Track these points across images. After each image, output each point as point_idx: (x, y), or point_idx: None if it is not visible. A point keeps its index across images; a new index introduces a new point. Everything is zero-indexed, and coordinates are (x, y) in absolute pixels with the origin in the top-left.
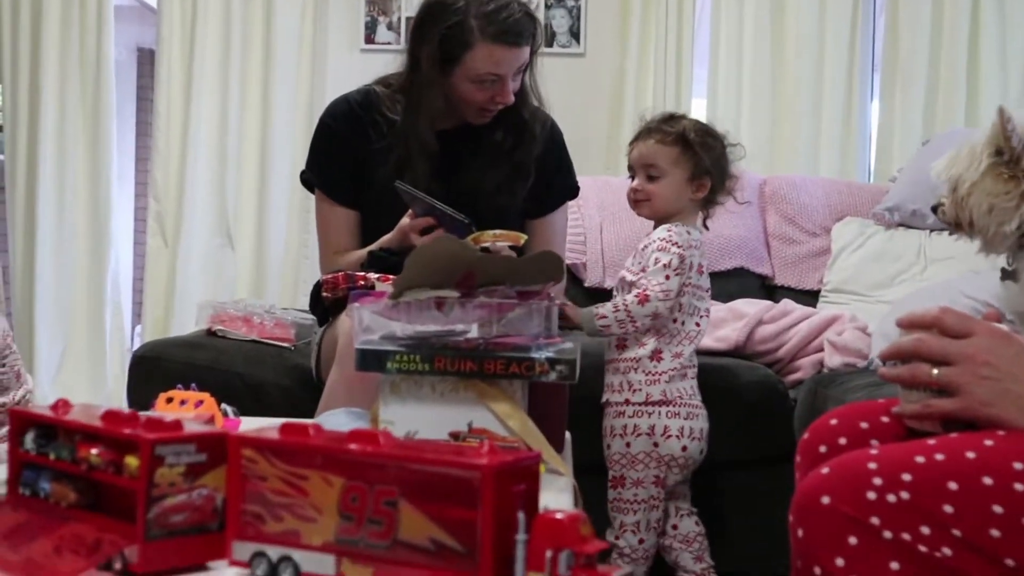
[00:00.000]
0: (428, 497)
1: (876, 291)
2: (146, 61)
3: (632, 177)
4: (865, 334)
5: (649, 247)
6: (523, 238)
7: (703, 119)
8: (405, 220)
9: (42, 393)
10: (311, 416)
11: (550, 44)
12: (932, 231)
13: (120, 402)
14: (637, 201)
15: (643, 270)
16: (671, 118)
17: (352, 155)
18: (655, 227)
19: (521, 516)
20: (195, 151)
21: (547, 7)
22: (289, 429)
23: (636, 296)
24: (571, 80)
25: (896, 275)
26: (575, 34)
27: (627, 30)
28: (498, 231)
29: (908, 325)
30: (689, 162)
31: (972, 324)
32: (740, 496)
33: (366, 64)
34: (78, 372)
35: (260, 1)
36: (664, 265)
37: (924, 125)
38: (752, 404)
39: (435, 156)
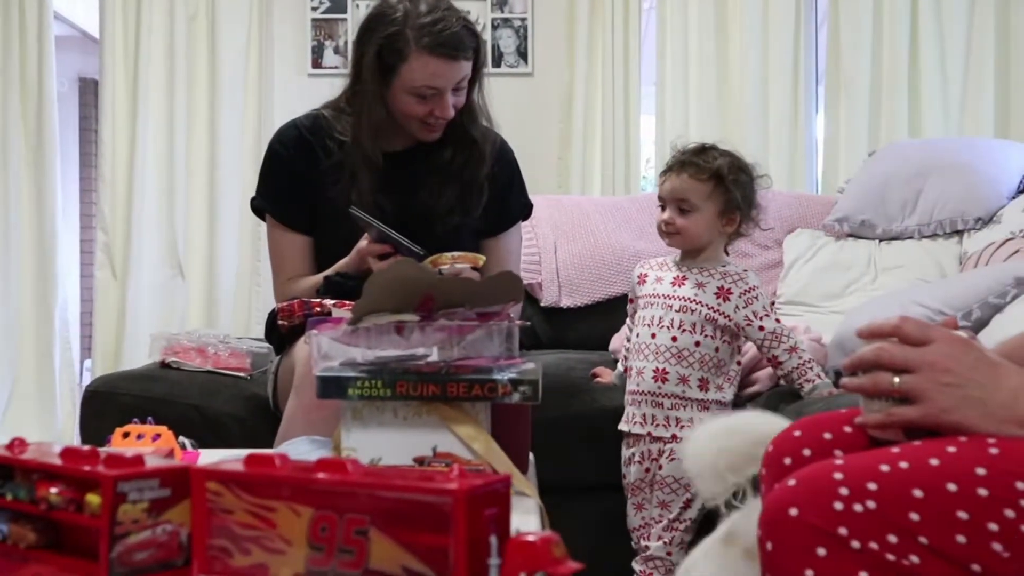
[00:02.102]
0: (399, 524)
1: (828, 301)
2: (88, 91)
3: (662, 207)
4: (820, 345)
5: (748, 295)
6: (481, 259)
7: (730, 147)
8: (362, 243)
9: None
10: (270, 446)
11: (498, 64)
12: (881, 240)
13: (72, 438)
14: (668, 233)
15: (752, 316)
16: (704, 151)
17: (303, 180)
18: (683, 256)
19: (493, 540)
20: (142, 181)
21: (494, 27)
22: (254, 460)
23: (800, 346)
24: (519, 100)
25: (848, 285)
26: (522, 54)
27: (574, 49)
28: (456, 253)
29: (868, 335)
30: (721, 197)
31: (931, 331)
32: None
33: (313, 89)
34: (27, 409)
35: (204, 28)
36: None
37: (869, 136)
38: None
39: (379, 169)
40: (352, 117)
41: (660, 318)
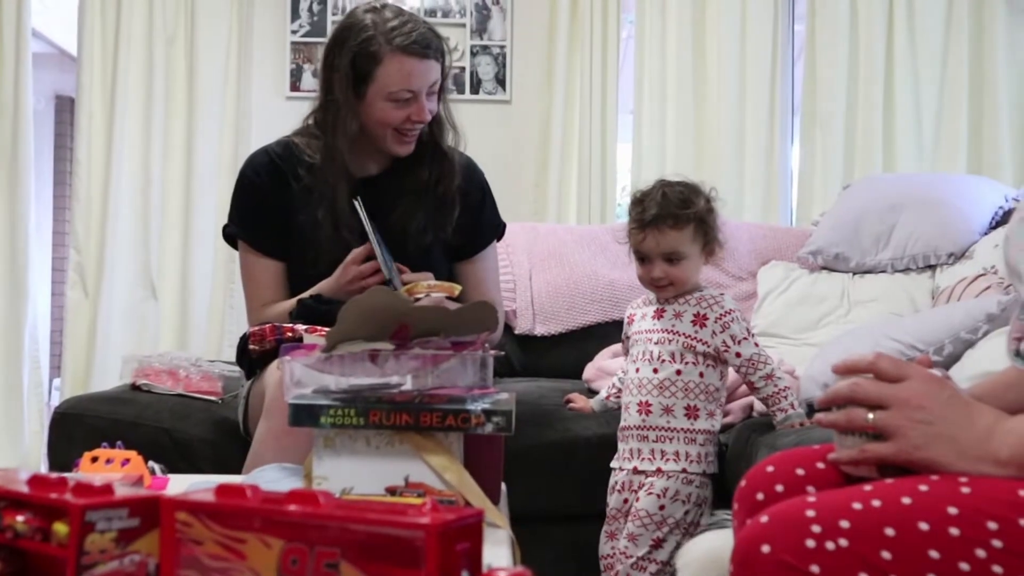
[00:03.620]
0: (370, 558)
1: (802, 334)
2: (64, 109)
3: (641, 261)
4: (793, 377)
5: (724, 319)
6: (457, 289)
7: (680, 177)
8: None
9: None
10: (239, 471)
11: (476, 91)
12: (855, 274)
13: (38, 459)
14: (660, 286)
15: (730, 342)
16: (666, 196)
17: (275, 205)
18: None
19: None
20: (117, 200)
21: (473, 54)
22: (225, 490)
23: (776, 373)
24: (497, 127)
25: (821, 318)
26: (501, 81)
27: (552, 77)
28: (432, 282)
29: (844, 371)
30: (702, 235)
31: (906, 369)
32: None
33: (292, 112)
34: None
35: (183, 48)
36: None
37: (844, 169)
38: None
39: (354, 183)
40: (323, 136)
41: (642, 352)
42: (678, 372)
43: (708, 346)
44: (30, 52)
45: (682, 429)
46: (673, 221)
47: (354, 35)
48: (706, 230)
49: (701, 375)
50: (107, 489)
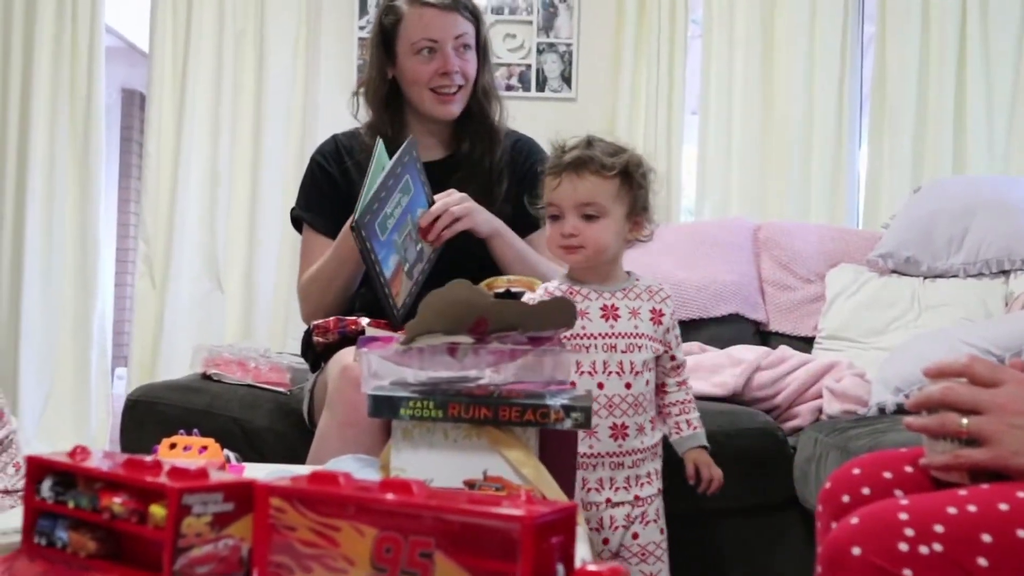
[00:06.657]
0: (465, 548)
1: (871, 338)
2: (131, 102)
3: (553, 217)
4: (864, 381)
5: (673, 316)
6: (537, 283)
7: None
8: None
9: (25, 436)
10: (305, 462)
11: (542, 88)
12: (926, 278)
13: (105, 445)
14: (571, 248)
15: (673, 342)
16: (592, 144)
17: (340, 190)
18: (584, 274)
19: (560, 569)
20: (185, 193)
21: (539, 52)
22: (318, 478)
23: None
24: (562, 125)
25: (891, 322)
26: (567, 79)
27: (618, 76)
28: (512, 277)
29: (936, 374)
30: (627, 197)
31: (1002, 373)
32: (738, 544)
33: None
34: (62, 415)
35: (252, 43)
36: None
37: (912, 171)
38: (751, 450)
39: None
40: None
41: (605, 363)
42: (647, 383)
43: (663, 344)
44: (103, 46)
45: (650, 448)
46: (598, 166)
47: (383, 2)
48: (633, 189)
49: (648, 383)
50: (202, 473)
